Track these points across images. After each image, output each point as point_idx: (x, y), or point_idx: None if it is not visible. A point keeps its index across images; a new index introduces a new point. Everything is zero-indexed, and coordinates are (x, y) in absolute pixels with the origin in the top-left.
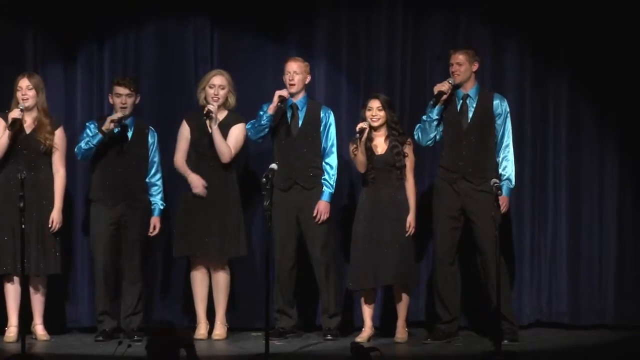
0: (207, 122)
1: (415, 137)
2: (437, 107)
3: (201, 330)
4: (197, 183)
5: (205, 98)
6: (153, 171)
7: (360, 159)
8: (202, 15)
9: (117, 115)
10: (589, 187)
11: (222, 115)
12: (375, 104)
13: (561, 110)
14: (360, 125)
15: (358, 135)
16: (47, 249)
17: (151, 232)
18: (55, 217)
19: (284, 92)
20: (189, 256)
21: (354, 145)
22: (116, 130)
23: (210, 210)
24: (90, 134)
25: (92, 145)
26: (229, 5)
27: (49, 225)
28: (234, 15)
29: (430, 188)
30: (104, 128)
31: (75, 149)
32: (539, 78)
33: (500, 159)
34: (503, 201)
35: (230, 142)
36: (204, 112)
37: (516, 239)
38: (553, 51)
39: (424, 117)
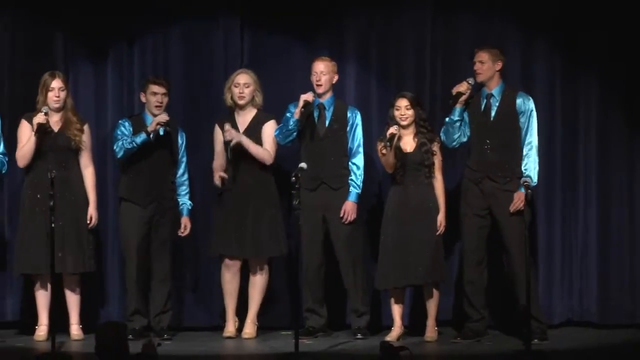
0: (230, 147)
1: (442, 139)
2: (457, 108)
3: (229, 328)
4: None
5: (232, 97)
6: (181, 171)
7: (389, 161)
8: (232, 15)
9: (164, 118)
10: (619, 186)
11: (250, 114)
12: (403, 102)
13: (591, 109)
14: (392, 130)
15: (389, 143)
16: (82, 246)
17: (182, 232)
18: (93, 213)
19: (309, 97)
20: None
21: (382, 144)
22: (161, 132)
23: (247, 210)
24: (127, 133)
25: (135, 145)
26: (259, 5)
27: (88, 222)
28: (264, 15)
29: (458, 187)
30: (149, 129)
31: (115, 147)
32: (569, 76)
33: (523, 156)
34: (520, 197)
35: (267, 143)
36: (224, 142)
37: (547, 238)
38: (583, 50)
39: (447, 119)
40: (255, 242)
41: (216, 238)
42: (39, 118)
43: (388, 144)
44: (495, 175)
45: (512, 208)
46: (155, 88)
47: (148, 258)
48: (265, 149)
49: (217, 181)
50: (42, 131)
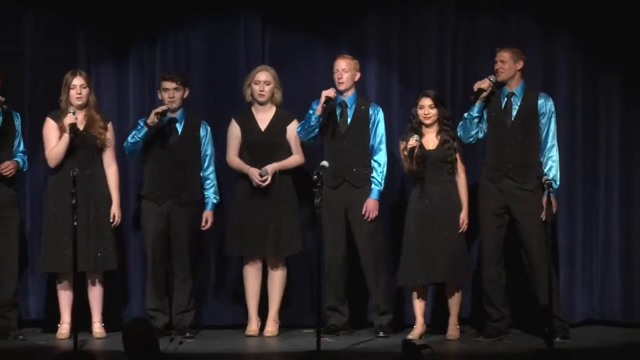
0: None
1: (458, 134)
2: (477, 104)
3: (252, 327)
4: (255, 175)
5: (252, 94)
6: (205, 164)
7: (411, 168)
8: (253, 13)
9: (161, 108)
10: None
11: (271, 111)
12: (427, 102)
13: (613, 108)
14: (412, 143)
15: (409, 156)
16: (105, 245)
17: (203, 226)
18: (116, 212)
19: (330, 92)
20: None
21: (404, 144)
22: (165, 120)
23: (266, 209)
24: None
25: (137, 139)
26: (280, 3)
27: (111, 221)
28: (285, 13)
29: (476, 185)
30: (148, 121)
31: (124, 144)
32: (590, 75)
33: (545, 159)
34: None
35: (295, 146)
36: (258, 182)
37: (568, 236)
38: (604, 49)
39: (465, 115)
40: (277, 240)
41: (236, 238)
42: (70, 118)
43: (408, 157)
44: (515, 175)
45: (544, 217)
46: (166, 84)
47: (167, 256)
48: (295, 155)
49: (257, 182)
50: (75, 131)
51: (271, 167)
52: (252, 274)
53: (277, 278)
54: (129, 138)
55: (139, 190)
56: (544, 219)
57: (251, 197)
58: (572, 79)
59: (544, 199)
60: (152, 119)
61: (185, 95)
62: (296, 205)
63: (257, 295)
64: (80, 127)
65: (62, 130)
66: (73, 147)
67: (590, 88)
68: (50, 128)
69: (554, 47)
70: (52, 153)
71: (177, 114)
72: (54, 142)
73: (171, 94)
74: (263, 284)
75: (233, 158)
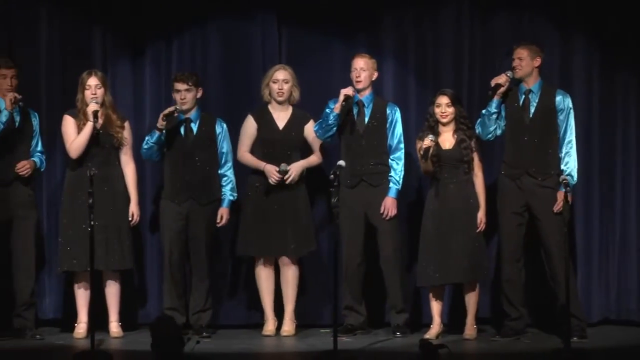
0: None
1: (477, 131)
2: (495, 100)
3: (269, 327)
4: (273, 172)
5: (270, 93)
6: (222, 161)
7: (427, 168)
8: (270, 13)
9: (168, 110)
10: None
11: (288, 111)
12: (444, 100)
13: (629, 108)
14: (426, 143)
15: (424, 156)
16: (121, 244)
17: (218, 223)
18: (135, 210)
19: (349, 91)
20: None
21: (420, 144)
22: (177, 121)
23: (280, 208)
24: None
25: (151, 144)
26: (297, 3)
27: (130, 219)
28: (302, 13)
29: (495, 184)
30: (157, 125)
31: (140, 150)
32: (607, 72)
33: (563, 154)
34: (562, 196)
35: (315, 146)
36: (275, 179)
37: (585, 235)
38: (621, 48)
39: (483, 111)
40: (293, 240)
41: (250, 238)
42: (93, 106)
43: (423, 157)
44: (534, 172)
45: (556, 209)
46: (178, 85)
47: (185, 255)
48: (315, 156)
49: (275, 179)
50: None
51: (298, 165)
52: (265, 274)
53: (291, 277)
54: (143, 144)
55: (156, 189)
56: (555, 210)
57: (265, 196)
58: (588, 78)
59: (559, 194)
60: (160, 122)
61: (198, 96)
62: (309, 203)
63: (271, 295)
64: (98, 126)
65: (79, 127)
66: (97, 141)
67: (606, 88)
68: (69, 124)
69: (571, 47)
70: (74, 144)
71: (191, 114)
72: (74, 137)
73: (183, 95)
74: (275, 283)
75: (244, 154)
